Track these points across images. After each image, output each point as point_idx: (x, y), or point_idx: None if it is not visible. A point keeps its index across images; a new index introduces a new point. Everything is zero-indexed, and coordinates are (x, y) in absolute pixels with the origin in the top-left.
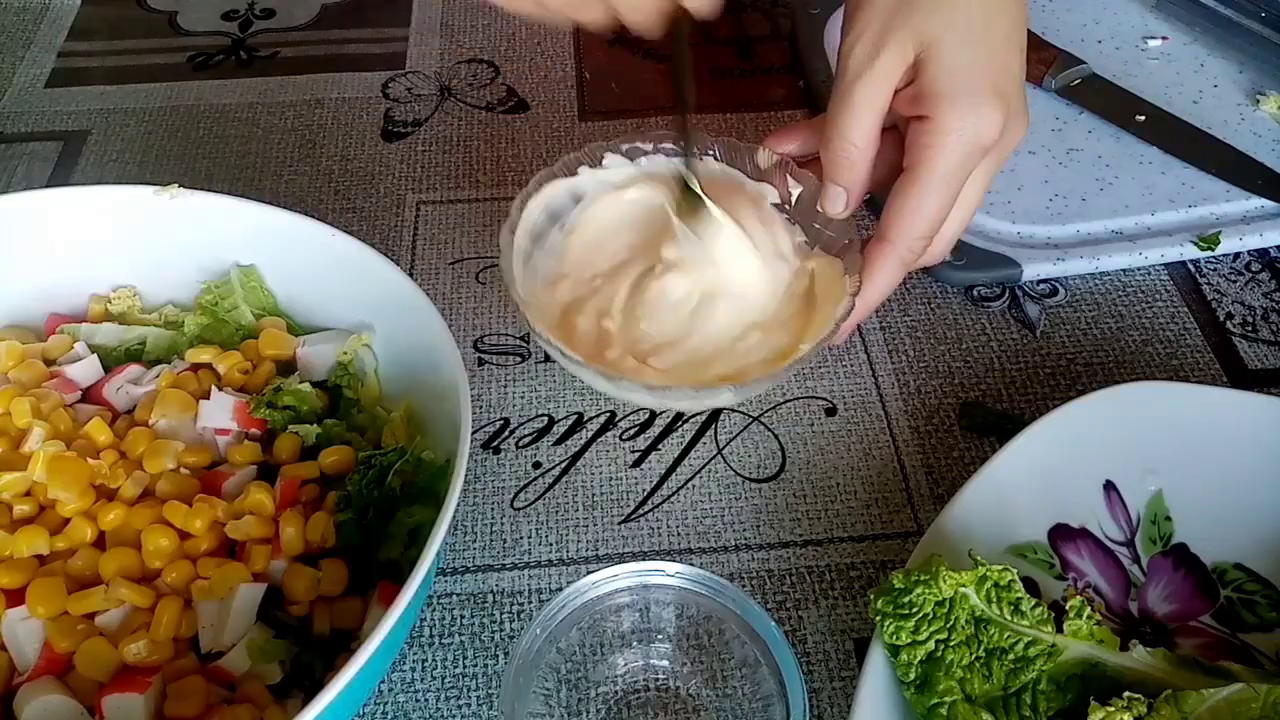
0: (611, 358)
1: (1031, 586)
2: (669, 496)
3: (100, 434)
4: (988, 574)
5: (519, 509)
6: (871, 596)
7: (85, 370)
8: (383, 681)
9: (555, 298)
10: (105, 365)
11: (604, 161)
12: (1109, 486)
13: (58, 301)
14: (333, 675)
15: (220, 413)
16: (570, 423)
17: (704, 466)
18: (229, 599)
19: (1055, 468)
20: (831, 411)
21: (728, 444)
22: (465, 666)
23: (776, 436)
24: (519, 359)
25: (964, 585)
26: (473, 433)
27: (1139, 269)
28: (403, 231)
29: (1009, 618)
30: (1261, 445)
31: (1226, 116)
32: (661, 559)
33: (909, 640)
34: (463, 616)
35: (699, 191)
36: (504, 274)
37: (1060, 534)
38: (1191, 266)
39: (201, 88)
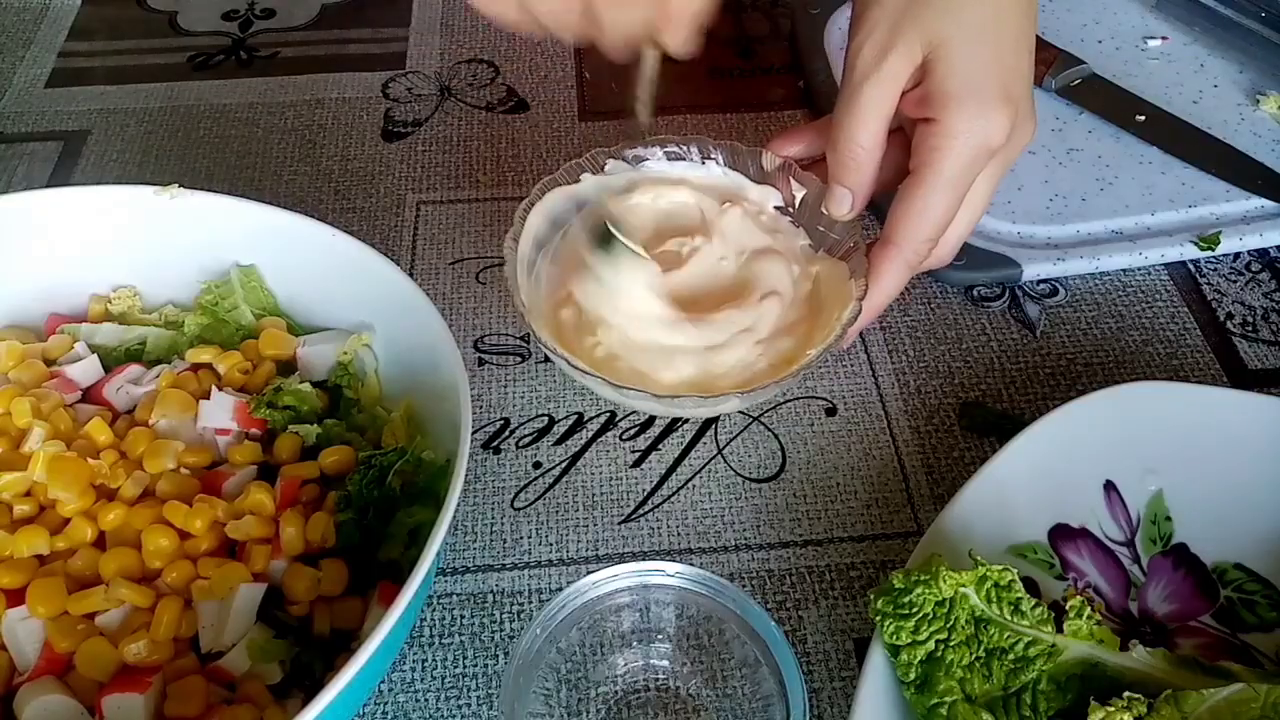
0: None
1: (1031, 586)
2: (669, 496)
3: (100, 434)
4: (988, 574)
5: (519, 509)
6: (871, 596)
7: (85, 370)
8: (383, 681)
9: (558, 305)
10: (105, 365)
11: (606, 168)
12: (1109, 486)
13: (58, 301)
14: (333, 675)
15: (220, 413)
16: (570, 423)
17: (704, 466)
18: (229, 599)
19: (1055, 468)
20: (831, 411)
21: (728, 444)
22: (465, 666)
23: (776, 436)
24: (519, 359)
25: (964, 585)
26: (473, 433)
27: (1139, 269)
28: (403, 231)
29: (1009, 618)
30: (1261, 445)
31: (1226, 116)
32: (661, 559)
33: (909, 640)
34: (463, 616)
35: (615, 233)
36: (508, 282)
37: (1060, 534)
38: (1191, 266)
39: (201, 88)
